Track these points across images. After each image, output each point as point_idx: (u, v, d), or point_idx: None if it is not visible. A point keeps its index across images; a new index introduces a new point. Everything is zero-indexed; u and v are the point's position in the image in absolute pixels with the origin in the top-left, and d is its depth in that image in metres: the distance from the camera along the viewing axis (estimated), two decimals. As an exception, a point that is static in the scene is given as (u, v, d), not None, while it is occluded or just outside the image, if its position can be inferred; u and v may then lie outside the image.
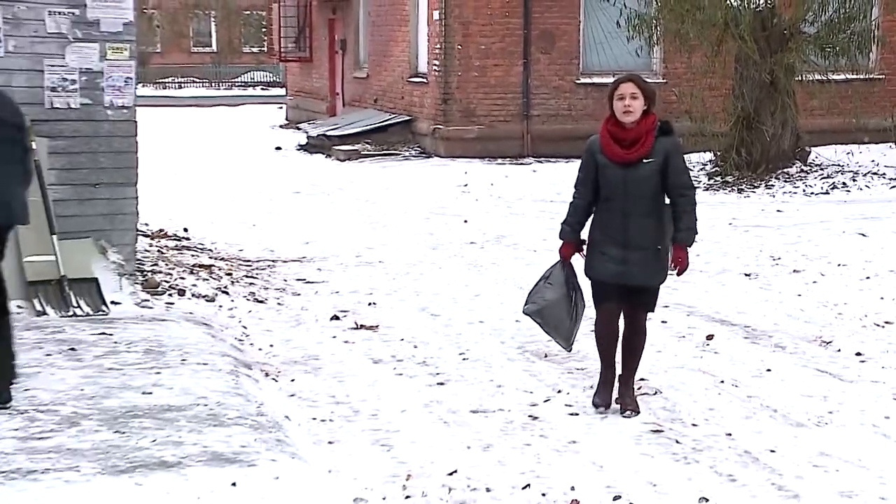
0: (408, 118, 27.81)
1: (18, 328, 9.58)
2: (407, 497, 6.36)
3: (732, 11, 20.21)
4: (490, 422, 7.77)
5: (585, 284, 8.02)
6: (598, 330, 8.02)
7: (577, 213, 7.93)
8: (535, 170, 23.62)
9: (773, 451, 7.20)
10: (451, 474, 6.67)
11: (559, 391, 8.40)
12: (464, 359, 9.45)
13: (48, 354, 8.87)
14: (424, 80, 27.23)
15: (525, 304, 8.12)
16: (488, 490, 6.47)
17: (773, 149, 20.92)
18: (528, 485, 6.55)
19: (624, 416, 7.71)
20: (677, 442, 7.38)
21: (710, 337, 10.07)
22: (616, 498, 6.36)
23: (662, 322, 10.58)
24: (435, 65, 26.45)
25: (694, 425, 7.70)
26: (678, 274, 7.85)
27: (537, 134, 25.91)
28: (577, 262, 7.99)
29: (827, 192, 19.79)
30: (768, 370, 9.08)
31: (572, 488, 6.48)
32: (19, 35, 10.73)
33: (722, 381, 8.73)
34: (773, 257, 13.99)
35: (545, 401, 8.15)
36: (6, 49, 10.62)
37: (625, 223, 7.62)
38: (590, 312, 8.13)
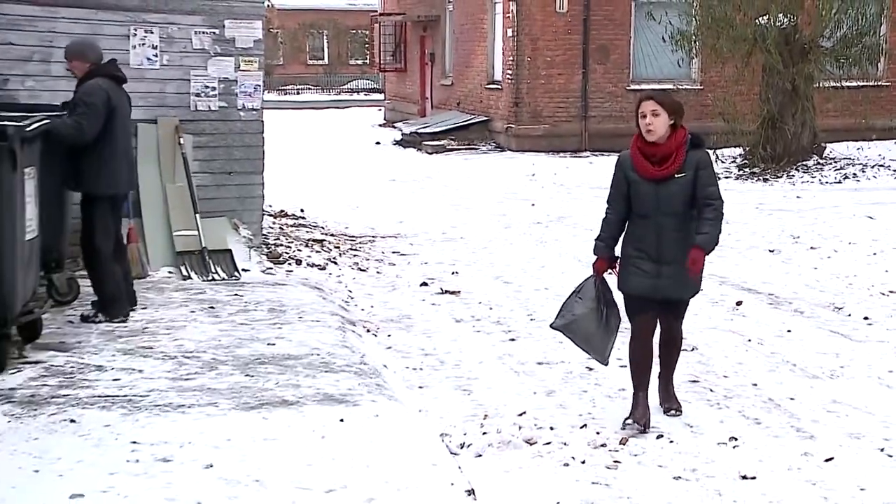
0: (485, 118, 27.79)
1: (169, 289, 9.80)
2: (484, 433, 6.39)
3: (760, 29, 20.10)
4: (553, 372, 7.79)
5: (619, 298, 6.87)
6: (633, 348, 6.79)
7: (610, 229, 6.78)
8: (591, 162, 23.53)
9: (792, 398, 7.18)
10: (520, 415, 6.70)
11: (615, 347, 8.39)
12: (531, 319, 9.46)
13: (192, 311, 9.02)
14: (499, 87, 27.20)
15: (555, 319, 6.90)
16: (552, 428, 6.48)
17: (794, 145, 20.72)
18: (585, 425, 6.57)
19: (668, 415, 6.76)
20: (711, 390, 7.37)
21: (738, 303, 10.04)
22: (659, 437, 6.36)
23: (700, 292, 10.55)
24: (508, 74, 26.39)
25: (725, 377, 7.69)
26: (690, 275, 6.50)
27: (593, 132, 25.81)
28: (610, 277, 6.84)
29: (840, 182, 19.56)
30: (788, 331, 9.05)
31: (623, 427, 6.49)
32: (172, 51, 10.97)
33: (749, 340, 8.71)
34: (793, 236, 13.85)
35: (600, 355, 8.16)
36: (161, 62, 10.87)
37: (658, 238, 6.52)
38: (624, 326, 7.02)
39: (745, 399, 7.18)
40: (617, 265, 6.78)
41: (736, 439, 6.36)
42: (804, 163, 20.67)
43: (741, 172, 20.69)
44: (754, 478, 5.76)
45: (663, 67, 25.04)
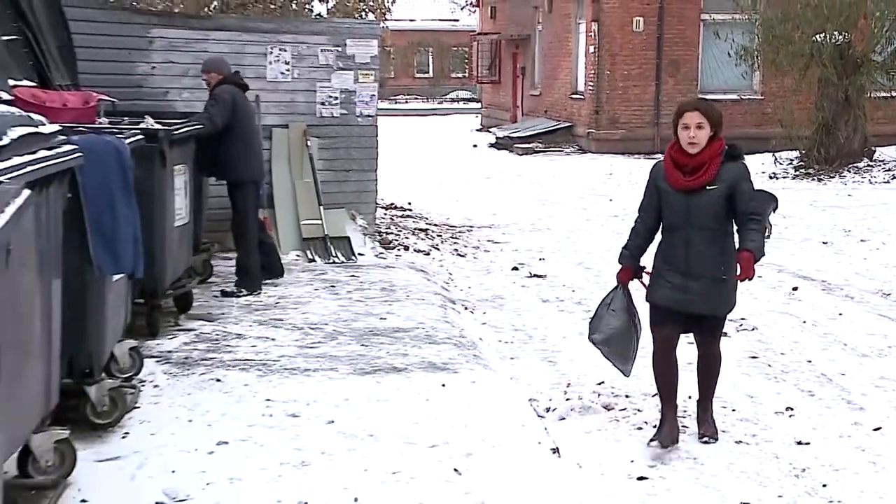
0: (569, 124, 27.69)
1: (297, 270, 9.95)
2: (567, 399, 6.40)
3: (816, 45, 19.73)
4: (629, 346, 7.79)
5: (642, 308, 6.08)
6: (656, 361, 5.91)
7: (638, 238, 5.92)
8: (662, 163, 23.34)
9: (843, 374, 7.07)
10: (599, 384, 6.68)
11: (680, 326, 8.36)
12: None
13: (316, 289, 9.16)
14: (582, 97, 27.08)
15: (591, 333, 6.08)
16: (627, 396, 6.47)
17: (846, 148, 20.28)
18: (656, 394, 6.53)
19: (701, 442, 5.70)
20: (769, 366, 7.29)
21: (794, 288, 9.90)
22: (723, 407, 6.30)
23: (759, 277, 10.41)
24: (590, 85, 26.27)
25: (782, 353, 7.59)
26: (741, 280, 5.58)
27: (665, 136, 25.42)
28: (635, 288, 6.04)
29: (888, 182, 19.06)
30: (840, 314, 8.89)
31: (689, 397, 6.44)
32: (301, 66, 11.14)
33: (804, 322, 8.58)
34: (844, 230, 13.58)
35: (670, 332, 8.11)
36: (292, 76, 11.07)
37: (687, 251, 5.57)
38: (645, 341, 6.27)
39: (799, 374, 7.09)
40: (643, 275, 5.93)
41: (792, 409, 6.29)
42: (855, 164, 20.21)
43: (797, 173, 20.32)
44: (808, 443, 5.70)
45: (728, 79, 24.71)
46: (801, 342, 7.93)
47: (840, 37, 19.81)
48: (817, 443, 5.73)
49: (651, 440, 5.62)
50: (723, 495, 4.98)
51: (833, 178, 19.61)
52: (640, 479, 5.14)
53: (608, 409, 6.23)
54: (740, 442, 5.73)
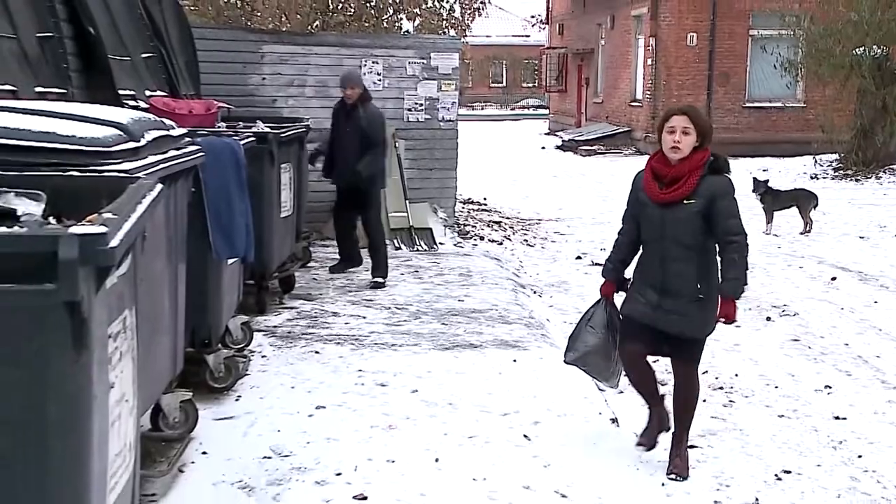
0: (628, 129, 27.50)
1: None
2: (624, 375, 6.37)
3: (856, 58, 19.34)
4: (681, 329, 7.70)
5: None
6: (627, 375, 5.15)
7: (620, 251, 5.07)
8: (713, 164, 23.05)
9: (878, 356, 6.95)
10: (654, 362, 6.61)
11: (728, 311, 8.25)
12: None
13: (402, 273, 9.22)
14: (640, 104, 26.85)
15: (566, 352, 5.20)
16: (679, 373, 6.43)
17: (882, 152, 19.83)
18: (706, 371, 6.44)
19: (669, 478, 4.71)
20: (809, 348, 7.18)
21: (833, 278, 9.72)
22: (766, 384, 6.24)
23: (800, 268, 10.25)
24: (647, 94, 26.06)
25: (821, 337, 7.47)
26: (726, 323, 4.68)
27: (715, 140, 24.79)
28: (619, 300, 5.15)
29: (921, 183, 18.75)
30: (875, 302, 8.72)
31: (736, 375, 6.39)
32: (391, 76, 11.22)
33: (842, 308, 8.43)
34: (880, 225, 13.31)
35: (718, 317, 8.01)
36: (383, 85, 11.16)
37: (662, 268, 4.71)
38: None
39: (837, 356, 6.97)
40: (627, 288, 5.05)
41: (830, 387, 6.19)
42: (891, 166, 19.72)
43: (836, 174, 19.91)
44: (845, 419, 5.62)
45: (773, 89, 24.26)
46: (838, 327, 7.79)
47: (879, 50, 19.44)
48: (853, 418, 5.64)
49: (638, 443, 5.01)
50: (766, 463, 4.93)
51: (870, 178, 19.22)
52: (690, 447, 5.09)
53: (662, 385, 6.18)
54: (782, 416, 5.66)
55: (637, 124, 27.08)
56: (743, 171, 18.16)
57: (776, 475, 4.77)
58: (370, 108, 8.52)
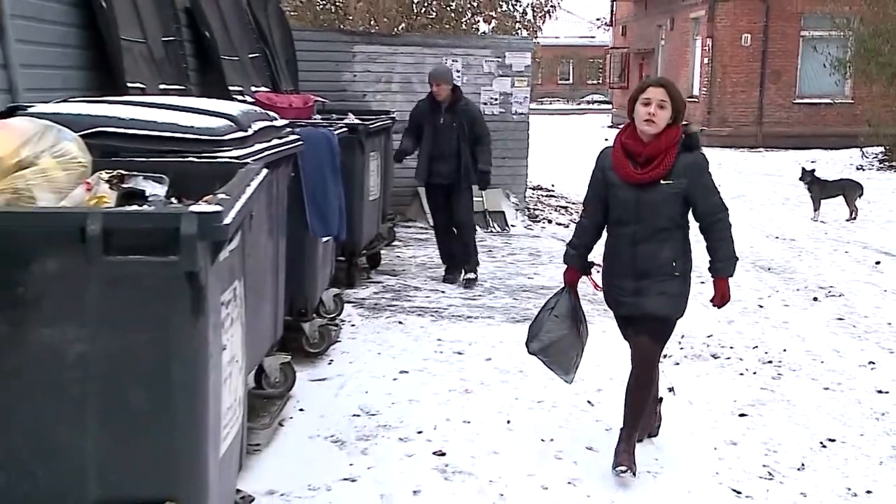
0: (685, 123, 26.80)
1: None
2: (681, 348, 6.24)
3: (903, 57, 18.74)
4: (733, 307, 7.42)
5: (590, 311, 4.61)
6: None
7: (584, 235, 4.28)
8: (763, 155, 22.53)
9: (919, 336, 6.74)
10: (708, 337, 6.53)
11: (777, 291, 8.06)
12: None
13: (478, 254, 9.18)
14: (697, 100, 26.33)
15: (529, 342, 4.43)
16: (731, 347, 6.29)
17: (926, 145, 19.28)
18: (756, 346, 6.35)
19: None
20: (854, 326, 6.97)
21: (877, 262, 9.41)
22: (813, 359, 6.10)
23: (845, 252, 9.99)
24: (704, 90, 25.58)
25: (865, 317, 7.24)
26: (719, 307, 4.16)
27: (766, 133, 24.76)
28: (584, 285, 4.42)
29: (964, 174, 18.08)
30: (917, 285, 8.46)
31: (784, 350, 6.26)
32: (469, 73, 11.17)
33: (885, 290, 8.15)
34: (922, 215, 12.91)
35: (768, 296, 7.83)
36: (462, 81, 11.01)
37: (634, 251, 4.02)
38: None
39: (881, 334, 6.76)
40: (591, 272, 4.36)
41: (873, 363, 6.02)
42: (934, 159, 19.19)
43: (881, 165, 19.31)
44: (887, 392, 5.45)
45: (822, 86, 23.62)
46: (882, 308, 7.55)
47: (925, 50, 18.79)
48: (895, 392, 5.49)
49: (615, 466, 4.09)
50: (812, 432, 4.82)
51: (914, 169, 18.66)
52: (741, 415, 5.03)
53: (715, 358, 6.10)
54: (827, 389, 5.52)
55: (694, 118, 26.62)
56: (792, 162, 17.75)
57: (821, 443, 4.67)
58: (469, 103, 7.86)
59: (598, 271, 4.30)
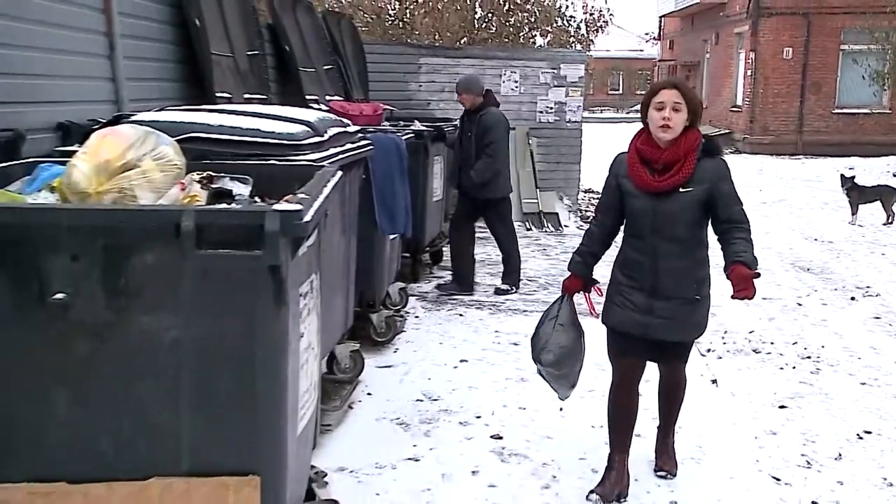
0: (728, 131, 26.50)
1: (518, 237, 9.95)
2: (724, 343, 6.15)
3: (940, 69, 18.18)
4: (773, 304, 7.37)
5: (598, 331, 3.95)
6: (615, 396, 3.76)
7: (592, 244, 3.79)
8: (803, 162, 21.98)
9: (954, 335, 6.51)
10: (750, 332, 6.41)
11: (816, 290, 7.87)
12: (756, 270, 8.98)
13: (532, 251, 9.16)
14: (740, 110, 25.87)
15: (539, 354, 3.84)
16: (772, 343, 6.17)
17: (961, 153, 18.67)
18: (796, 342, 6.21)
19: (658, 476, 3.88)
20: (890, 325, 6.76)
21: (913, 265, 9.15)
22: (850, 356, 5.94)
23: (882, 254, 9.70)
24: (746, 100, 25.05)
25: (902, 316, 7.06)
26: (739, 298, 3.41)
27: (806, 142, 24.15)
28: (578, 301, 3.89)
29: None
30: (951, 288, 8.17)
31: (822, 346, 6.11)
32: (526, 84, 11.12)
33: (920, 292, 7.93)
34: (957, 220, 12.44)
35: (807, 295, 7.65)
36: (520, 91, 11.06)
37: (654, 266, 3.49)
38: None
39: (916, 333, 6.58)
40: (591, 290, 3.83)
41: (909, 360, 5.85)
42: (969, 167, 18.52)
43: (913, 167, 18.89)
44: (922, 388, 5.30)
45: (861, 97, 23.02)
46: (918, 308, 7.34)
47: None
48: (931, 389, 5.32)
49: (590, 492, 3.70)
50: (849, 424, 4.70)
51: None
52: (781, 407, 4.92)
53: (756, 353, 5.98)
54: (864, 384, 5.37)
55: (737, 126, 26.17)
56: (831, 169, 17.29)
57: (858, 434, 4.55)
58: (486, 113, 7.13)
59: (599, 294, 3.74)
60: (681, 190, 3.41)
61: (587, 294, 3.77)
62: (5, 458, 2.20)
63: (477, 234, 9.07)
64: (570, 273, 3.84)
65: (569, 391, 3.87)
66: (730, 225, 3.45)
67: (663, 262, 3.47)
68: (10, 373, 2.17)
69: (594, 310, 3.70)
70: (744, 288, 3.35)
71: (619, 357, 3.71)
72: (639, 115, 3.66)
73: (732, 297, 3.39)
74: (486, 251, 9.01)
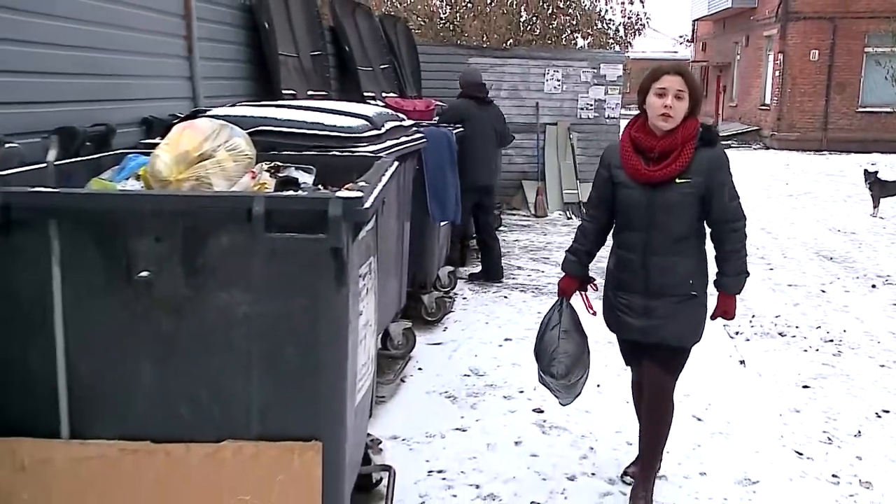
0: (757, 128, 26.04)
1: (559, 224, 9.91)
2: (751, 326, 6.03)
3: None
4: (797, 291, 7.21)
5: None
6: (637, 393, 3.44)
7: (585, 241, 3.30)
8: (827, 158, 21.48)
9: (972, 323, 6.30)
10: (776, 317, 6.28)
11: (838, 278, 7.67)
12: (784, 257, 8.73)
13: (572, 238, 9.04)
14: (768, 108, 25.35)
15: (548, 366, 3.27)
16: (796, 327, 6.03)
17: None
18: (819, 326, 6.06)
19: None
20: (911, 312, 6.60)
21: (934, 256, 8.86)
22: (870, 339, 5.78)
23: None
24: (774, 99, 24.57)
25: (921, 304, 6.85)
26: (713, 319, 3.17)
27: (830, 138, 23.62)
28: (578, 300, 3.38)
29: None
30: (971, 277, 7.90)
31: (844, 331, 5.95)
32: (568, 82, 10.97)
33: (940, 281, 7.68)
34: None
35: (830, 282, 7.46)
36: (562, 89, 10.93)
37: (646, 262, 3.04)
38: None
39: (936, 320, 6.38)
40: (588, 288, 3.38)
41: (928, 346, 5.67)
42: None
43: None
44: (942, 371, 5.14)
45: (883, 97, 22.37)
46: (938, 296, 7.12)
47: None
48: (950, 372, 5.15)
49: (625, 473, 3.52)
50: (869, 403, 4.58)
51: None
52: (804, 387, 4.81)
53: (782, 336, 5.85)
54: (883, 366, 5.23)
55: (765, 124, 25.69)
56: (854, 164, 16.82)
57: (877, 413, 4.43)
58: (450, 103, 6.99)
59: (595, 290, 3.35)
60: (677, 181, 2.96)
61: (584, 294, 3.35)
62: (99, 418, 2.25)
63: (520, 223, 9.01)
64: (563, 274, 3.34)
65: (572, 399, 3.42)
66: (725, 225, 3.04)
67: (655, 258, 3.03)
68: (102, 343, 2.22)
69: (592, 307, 3.33)
70: (721, 310, 3.15)
71: (632, 365, 3.41)
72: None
73: (712, 317, 3.17)
74: (529, 237, 8.97)
